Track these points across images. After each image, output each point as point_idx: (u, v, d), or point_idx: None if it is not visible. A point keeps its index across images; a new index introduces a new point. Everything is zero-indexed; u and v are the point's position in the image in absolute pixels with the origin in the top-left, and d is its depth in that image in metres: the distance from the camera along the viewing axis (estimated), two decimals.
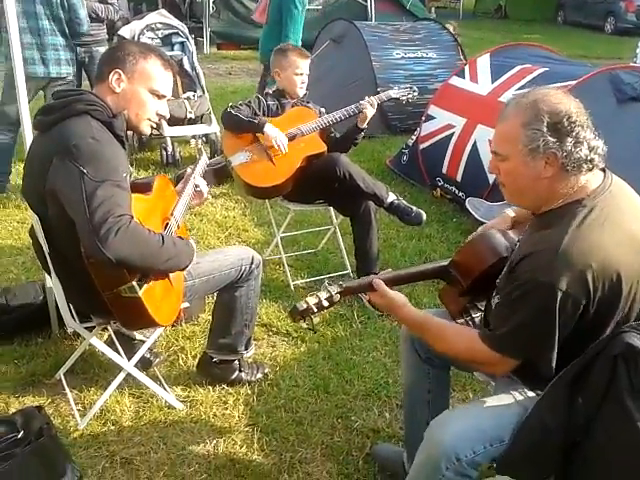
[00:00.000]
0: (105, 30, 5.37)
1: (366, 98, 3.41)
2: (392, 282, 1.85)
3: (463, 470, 1.62)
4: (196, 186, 2.53)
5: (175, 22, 5.80)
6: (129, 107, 2.15)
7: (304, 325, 1.77)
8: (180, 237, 2.21)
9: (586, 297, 1.52)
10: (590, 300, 1.53)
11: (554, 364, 1.59)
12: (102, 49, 5.04)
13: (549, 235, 1.57)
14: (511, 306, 1.60)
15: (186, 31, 5.80)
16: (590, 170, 1.60)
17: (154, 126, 2.24)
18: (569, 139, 1.55)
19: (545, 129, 1.56)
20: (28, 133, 2.84)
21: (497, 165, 1.69)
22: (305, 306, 1.74)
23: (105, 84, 2.14)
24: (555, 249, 1.52)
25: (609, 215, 1.57)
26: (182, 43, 5.75)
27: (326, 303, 1.76)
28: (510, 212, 1.99)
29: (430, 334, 1.78)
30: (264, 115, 3.39)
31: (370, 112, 3.37)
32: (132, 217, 1.94)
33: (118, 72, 2.12)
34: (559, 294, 1.50)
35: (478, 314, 1.93)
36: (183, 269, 2.21)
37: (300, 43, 4.91)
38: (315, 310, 1.75)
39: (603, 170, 1.66)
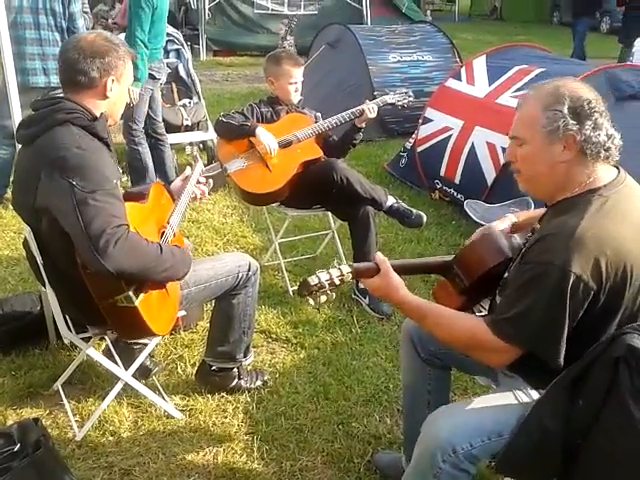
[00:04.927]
0: None
1: (366, 102, 3.42)
2: (395, 269, 1.79)
3: (460, 463, 1.61)
4: (192, 193, 2.52)
5: (170, 29, 5.78)
6: (117, 106, 2.21)
7: (311, 302, 1.71)
8: (177, 246, 2.19)
9: (598, 284, 1.51)
10: (601, 289, 1.52)
11: (562, 357, 1.55)
12: None
13: (565, 220, 1.56)
14: (521, 289, 1.58)
15: (181, 38, 5.79)
16: (607, 159, 1.61)
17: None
18: (589, 122, 1.57)
19: (566, 111, 1.58)
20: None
21: (514, 151, 1.68)
22: (316, 281, 1.68)
23: (96, 90, 2.11)
24: (571, 233, 1.51)
25: (625, 208, 1.58)
26: (177, 50, 5.74)
27: (337, 281, 1.70)
28: (512, 217, 1.97)
29: (429, 319, 1.72)
30: (258, 122, 3.38)
31: (370, 115, 3.37)
32: (129, 227, 1.93)
33: (113, 78, 2.12)
34: (572, 277, 1.48)
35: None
36: (180, 279, 2.19)
37: (143, 45, 4.26)
38: (326, 286, 1.69)
39: (617, 167, 1.67)
